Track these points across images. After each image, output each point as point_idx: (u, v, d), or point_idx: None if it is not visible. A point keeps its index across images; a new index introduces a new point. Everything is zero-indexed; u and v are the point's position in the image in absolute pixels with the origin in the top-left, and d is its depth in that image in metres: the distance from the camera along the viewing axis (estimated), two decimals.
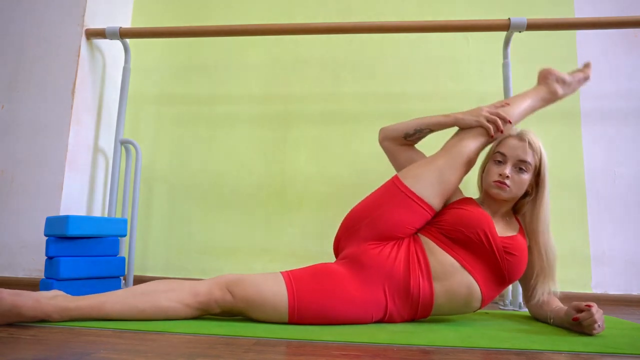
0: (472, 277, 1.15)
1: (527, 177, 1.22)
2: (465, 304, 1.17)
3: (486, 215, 1.21)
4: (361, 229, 1.19)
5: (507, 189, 1.21)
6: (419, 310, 1.15)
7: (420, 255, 1.17)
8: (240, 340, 0.89)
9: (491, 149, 1.31)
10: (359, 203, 1.25)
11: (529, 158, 1.21)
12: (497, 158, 1.24)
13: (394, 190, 1.20)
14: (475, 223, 1.18)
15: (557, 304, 1.21)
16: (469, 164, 1.25)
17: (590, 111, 2.05)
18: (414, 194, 1.18)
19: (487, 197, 1.28)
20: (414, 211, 1.18)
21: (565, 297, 1.31)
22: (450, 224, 1.19)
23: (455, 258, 1.16)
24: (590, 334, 1.03)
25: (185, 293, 1.05)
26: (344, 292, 1.09)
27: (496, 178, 1.22)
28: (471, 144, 1.25)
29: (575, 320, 1.04)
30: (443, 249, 1.17)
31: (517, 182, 1.21)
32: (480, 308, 1.20)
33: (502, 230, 1.23)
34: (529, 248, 1.26)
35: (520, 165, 1.21)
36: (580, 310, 1.04)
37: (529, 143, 1.21)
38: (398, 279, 1.13)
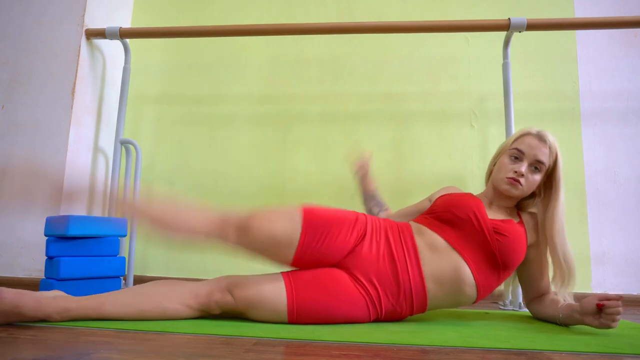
0: (462, 257, 1.15)
1: (539, 177, 1.22)
2: (459, 289, 1.14)
3: (476, 198, 1.25)
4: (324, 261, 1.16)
5: (520, 187, 1.21)
6: (414, 302, 1.14)
7: (408, 240, 1.17)
8: (240, 340, 0.89)
9: (505, 144, 1.30)
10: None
11: (545, 159, 1.21)
12: (513, 154, 1.24)
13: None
14: (465, 204, 1.21)
15: (565, 303, 1.19)
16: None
17: (590, 111, 2.05)
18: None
19: (493, 191, 1.29)
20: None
21: None
22: (441, 207, 1.22)
23: (444, 238, 1.17)
24: (606, 326, 1.03)
25: (186, 294, 1.05)
26: (342, 291, 1.10)
27: (510, 175, 1.22)
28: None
29: (600, 307, 1.03)
30: (432, 230, 1.18)
31: (530, 182, 1.22)
32: (478, 298, 1.18)
33: (495, 214, 1.25)
34: (538, 246, 1.26)
35: (535, 165, 1.21)
36: (607, 300, 1.04)
37: (549, 144, 1.21)
38: (386, 273, 1.13)
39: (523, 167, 1.21)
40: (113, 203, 1.11)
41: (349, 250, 1.15)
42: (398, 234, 1.19)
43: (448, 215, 1.19)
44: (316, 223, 1.14)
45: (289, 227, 1.12)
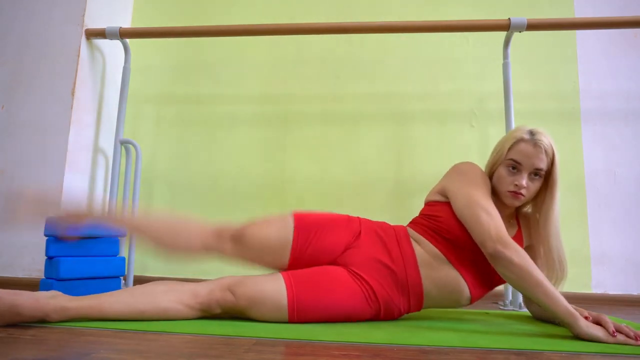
0: (461, 275, 1.17)
1: (539, 183, 1.20)
2: (454, 298, 1.19)
3: None
4: (320, 259, 1.19)
5: (523, 198, 1.19)
6: (411, 298, 1.16)
7: (405, 244, 1.18)
8: (240, 340, 0.89)
9: (500, 151, 1.23)
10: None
11: (543, 165, 1.18)
12: (510, 165, 1.20)
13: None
14: None
15: None
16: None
17: (590, 111, 2.05)
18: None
19: (495, 199, 1.25)
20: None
21: (565, 297, 1.30)
22: (446, 225, 1.19)
23: (444, 254, 1.17)
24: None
25: (187, 294, 1.06)
26: (340, 287, 1.11)
27: (511, 188, 1.19)
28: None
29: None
30: (432, 243, 1.19)
31: (531, 190, 1.20)
32: (471, 303, 1.22)
33: None
34: (532, 247, 1.25)
35: (535, 173, 1.19)
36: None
37: (544, 149, 1.17)
38: (382, 266, 1.15)
39: (523, 180, 1.18)
40: (111, 218, 1.18)
41: (343, 247, 1.18)
42: (394, 236, 1.21)
43: (450, 236, 1.18)
44: (308, 224, 1.19)
45: (282, 230, 1.17)
